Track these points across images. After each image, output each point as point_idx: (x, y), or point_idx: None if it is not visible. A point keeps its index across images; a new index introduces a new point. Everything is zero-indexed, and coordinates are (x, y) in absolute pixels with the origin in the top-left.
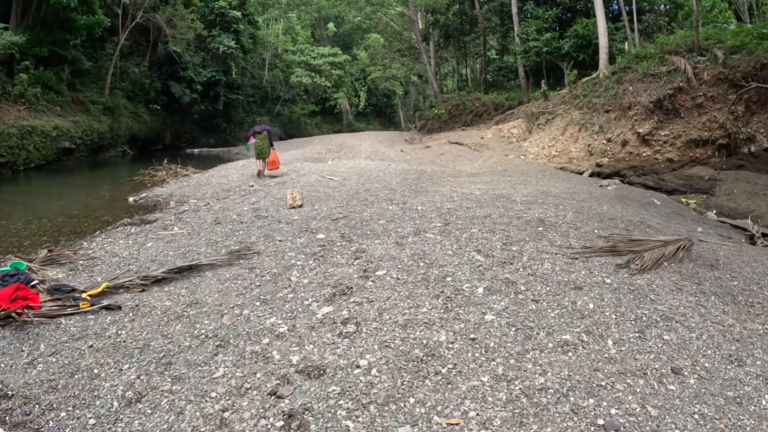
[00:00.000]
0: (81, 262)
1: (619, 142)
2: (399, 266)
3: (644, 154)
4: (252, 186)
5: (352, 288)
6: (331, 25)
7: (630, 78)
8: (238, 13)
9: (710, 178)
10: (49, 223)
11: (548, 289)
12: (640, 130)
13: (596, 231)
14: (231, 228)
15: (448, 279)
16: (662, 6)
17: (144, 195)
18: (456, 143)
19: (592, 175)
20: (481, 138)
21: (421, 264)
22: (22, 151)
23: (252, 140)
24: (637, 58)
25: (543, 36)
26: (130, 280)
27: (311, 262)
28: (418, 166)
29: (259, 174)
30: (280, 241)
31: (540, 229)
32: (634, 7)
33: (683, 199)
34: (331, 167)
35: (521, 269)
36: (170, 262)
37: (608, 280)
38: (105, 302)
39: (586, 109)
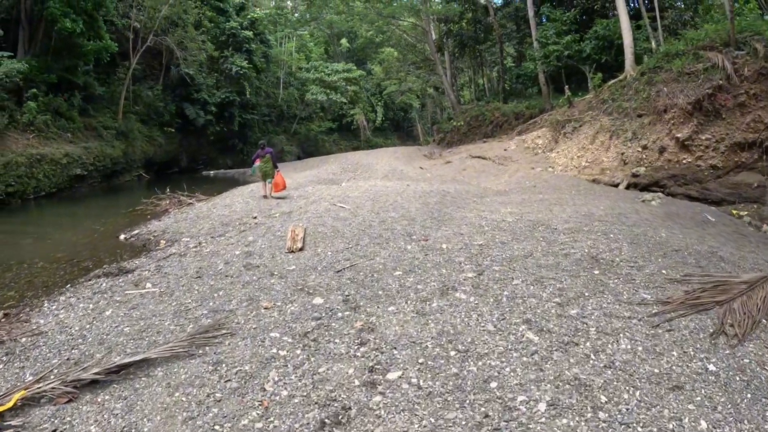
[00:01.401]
0: (23, 340)
1: (655, 149)
2: (421, 359)
3: (685, 161)
4: (255, 218)
5: (350, 409)
6: (344, 41)
7: (663, 78)
8: (250, 33)
9: (759, 185)
10: (26, 270)
11: (638, 395)
12: (679, 135)
13: (664, 271)
14: (211, 285)
15: (492, 384)
16: (679, 2)
17: (136, 232)
18: (478, 157)
19: (628, 186)
20: (504, 150)
21: (452, 353)
22: (31, 179)
23: (257, 163)
24: (668, 57)
25: (563, 39)
26: (52, 388)
27: (299, 351)
28: (440, 186)
29: (266, 197)
30: (265, 309)
31: (596, 272)
32: (656, 3)
33: (734, 211)
34: (344, 191)
35: (592, 355)
36: (121, 345)
37: (711, 367)
38: (15, 424)
39: (616, 114)
